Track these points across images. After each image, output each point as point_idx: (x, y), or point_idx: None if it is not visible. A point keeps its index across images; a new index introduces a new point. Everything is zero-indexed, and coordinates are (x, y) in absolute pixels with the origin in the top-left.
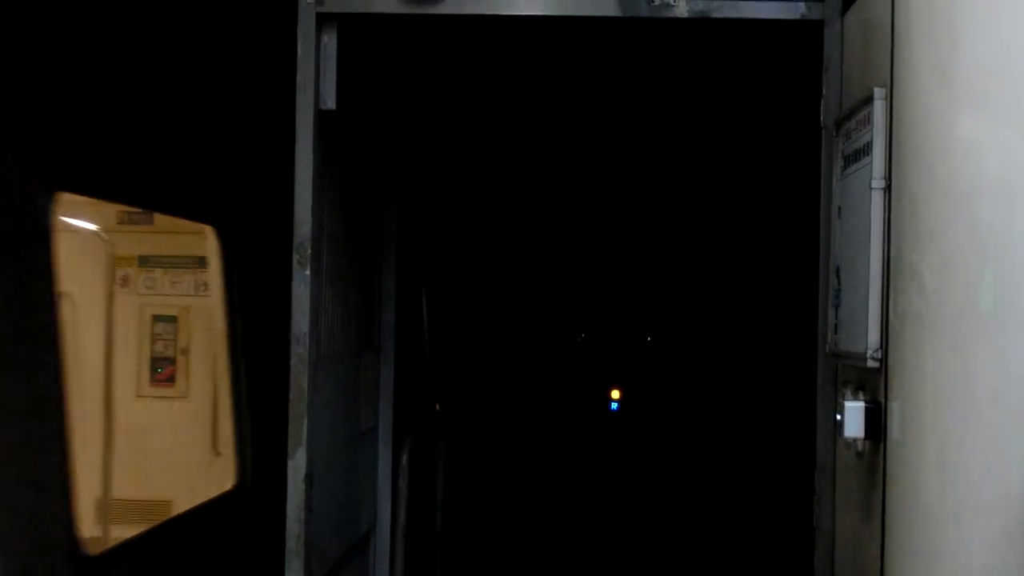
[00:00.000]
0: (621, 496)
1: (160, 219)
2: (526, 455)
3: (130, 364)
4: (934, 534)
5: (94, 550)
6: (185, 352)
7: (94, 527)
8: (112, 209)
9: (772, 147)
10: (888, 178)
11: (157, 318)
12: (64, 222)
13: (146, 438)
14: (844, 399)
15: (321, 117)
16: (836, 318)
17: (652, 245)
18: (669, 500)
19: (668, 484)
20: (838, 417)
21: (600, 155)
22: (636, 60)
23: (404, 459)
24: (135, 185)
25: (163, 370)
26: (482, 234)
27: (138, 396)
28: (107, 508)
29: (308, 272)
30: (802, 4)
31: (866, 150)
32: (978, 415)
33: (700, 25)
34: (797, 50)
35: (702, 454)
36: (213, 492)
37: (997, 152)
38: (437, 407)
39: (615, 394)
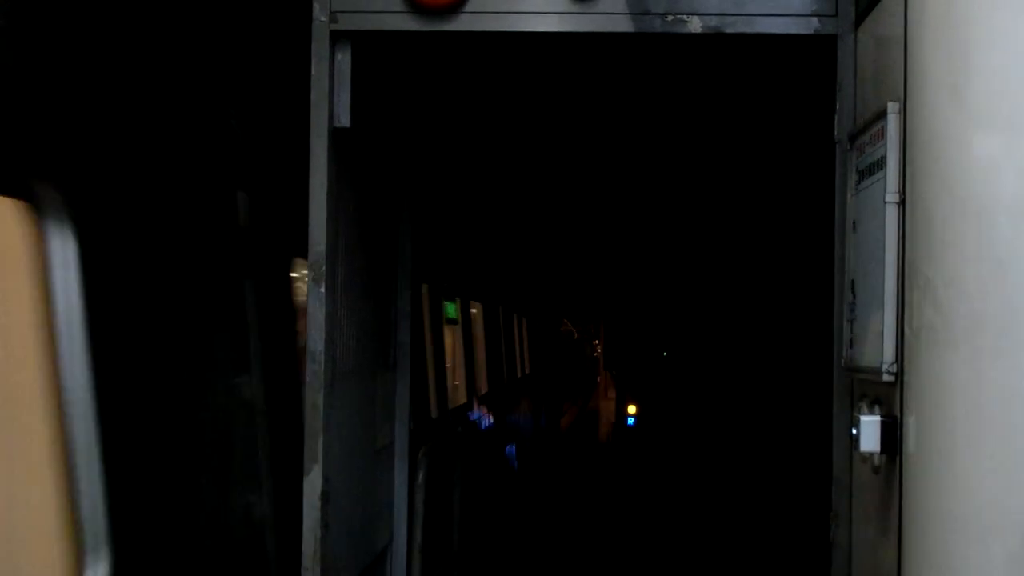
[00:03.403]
0: (638, 513)
1: None
2: (541, 470)
3: None
4: (952, 550)
5: None
6: None
7: None
8: None
9: (786, 162)
10: (902, 192)
11: None
12: None
13: None
14: (860, 413)
15: (335, 135)
16: (851, 332)
17: (668, 261)
18: (686, 517)
19: (686, 500)
20: (854, 431)
21: (615, 171)
22: (650, 76)
23: (420, 477)
24: None
25: None
26: (497, 251)
27: None
28: None
29: (323, 289)
30: (815, 19)
31: (880, 164)
32: (995, 429)
33: (713, 41)
34: (810, 65)
35: (718, 468)
36: None
37: (1011, 168)
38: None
39: (631, 409)
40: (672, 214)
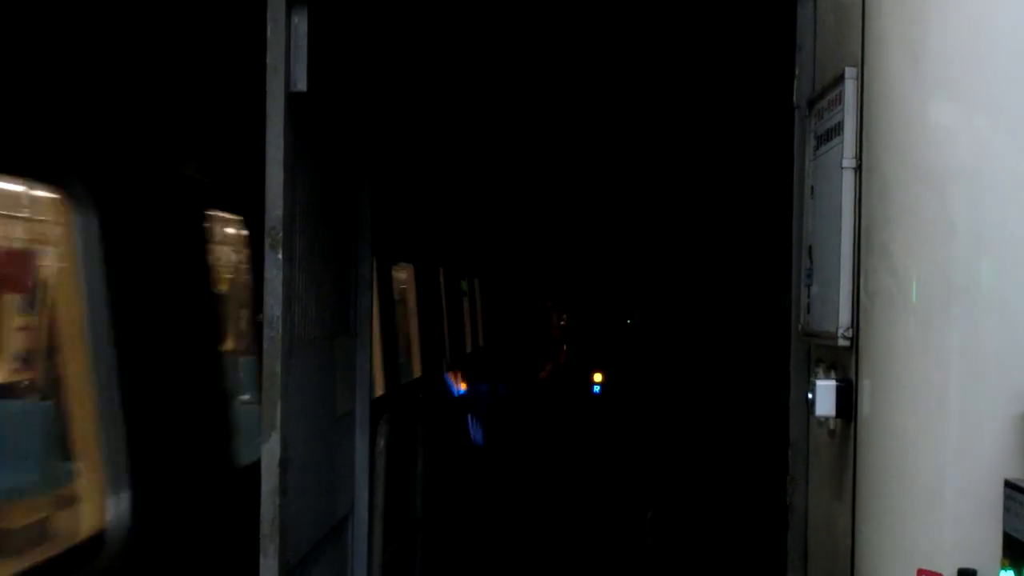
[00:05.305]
0: (603, 481)
1: None
2: (509, 440)
3: None
4: (904, 511)
5: None
6: None
7: None
8: None
9: (750, 128)
10: (859, 158)
11: None
12: None
13: None
14: (816, 378)
15: (292, 99)
16: (809, 297)
17: (629, 226)
18: (649, 481)
19: (650, 468)
20: (809, 396)
21: (577, 135)
22: (612, 32)
23: (382, 443)
24: None
25: None
26: (457, 215)
27: None
28: None
29: (280, 256)
30: None
31: (837, 130)
32: (947, 393)
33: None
34: (773, 29)
35: (684, 436)
36: None
37: (966, 134)
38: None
39: (597, 377)
40: (638, 182)
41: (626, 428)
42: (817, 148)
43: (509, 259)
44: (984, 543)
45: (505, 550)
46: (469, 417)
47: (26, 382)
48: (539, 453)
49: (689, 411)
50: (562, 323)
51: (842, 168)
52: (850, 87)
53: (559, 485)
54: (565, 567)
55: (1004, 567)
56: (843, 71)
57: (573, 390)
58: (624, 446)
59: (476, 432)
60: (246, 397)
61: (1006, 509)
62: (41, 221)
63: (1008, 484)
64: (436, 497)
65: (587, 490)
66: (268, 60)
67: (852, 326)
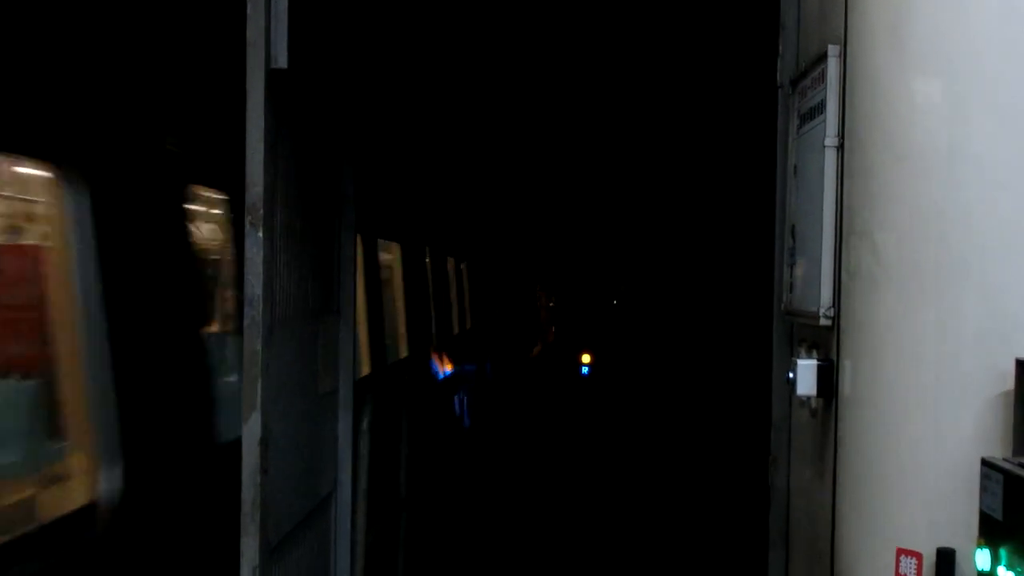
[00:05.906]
0: (591, 464)
1: None
2: (499, 421)
3: None
4: (883, 491)
5: None
6: None
7: None
8: None
9: (737, 107)
10: (841, 136)
11: None
12: None
13: None
14: (797, 357)
15: (272, 76)
16: (791, 277)
17: (614, 210)
18: (640, 467)
19: (641, 452)
20: (791, 375)
21: (562, 121)
22: (595, 14)
23: (365, 423)
24: None
25: None
26: (439, 194)
27: None
28: None
29: (260, 233)
30: None
31: (820, 108)
32: (927, 373)
33: None
34: (757, 9)
35: (675, 420)
36: None
37: (948, 112)
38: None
39: (586, 358)
40: (621, 166)
41: (618, 412)
42: (800, 127)
43: (501, 244)
44: (963, 522)
45: (492, 531)
46: (471, 388)
47: None
48: (528, 429)
49: (676, 390)
50: (551, 304)
51: (824, 147)
52: (833, 65)
53: (547, 464)
54: (551, 550)
55: (980, 546)
56: (826, 49)
57: (561, 369)
58: (614, 429)
59: (475, 404)
60: None
61: (982, 488)
62: None
63: (984, 462)
64: (423, 476)
65: (575, 469)
66: (248, 36)
67: (834, 305)
